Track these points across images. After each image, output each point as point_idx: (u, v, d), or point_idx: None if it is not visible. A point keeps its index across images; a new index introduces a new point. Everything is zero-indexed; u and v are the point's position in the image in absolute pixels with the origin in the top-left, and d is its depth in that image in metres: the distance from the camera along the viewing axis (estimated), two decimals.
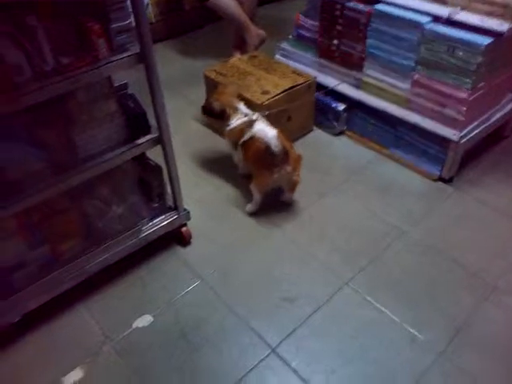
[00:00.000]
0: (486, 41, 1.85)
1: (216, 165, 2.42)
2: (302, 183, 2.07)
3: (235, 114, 2.07)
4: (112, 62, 1.39)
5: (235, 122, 2.06)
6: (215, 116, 2.11)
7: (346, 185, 2.23)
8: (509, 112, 2.35)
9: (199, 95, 2.64)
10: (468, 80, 1.95)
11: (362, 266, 1.86)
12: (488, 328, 1.64)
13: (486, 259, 1.88)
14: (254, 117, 2.04)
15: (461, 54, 1.91)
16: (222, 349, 1.60)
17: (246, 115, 2.06)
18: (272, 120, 2.33)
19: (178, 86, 2.95)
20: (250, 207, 2.09)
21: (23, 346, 1.63)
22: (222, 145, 2.53)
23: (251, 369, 1.54)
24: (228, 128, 2.08)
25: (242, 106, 2.10)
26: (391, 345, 1.60)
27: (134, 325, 1.68)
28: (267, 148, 1.90)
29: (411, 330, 1.63)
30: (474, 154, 2.36)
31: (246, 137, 2.00)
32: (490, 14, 1.79)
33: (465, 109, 2.01)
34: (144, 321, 1.69)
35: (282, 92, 2.34)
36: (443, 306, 1.71)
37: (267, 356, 1.57)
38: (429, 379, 1.50)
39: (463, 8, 1.89)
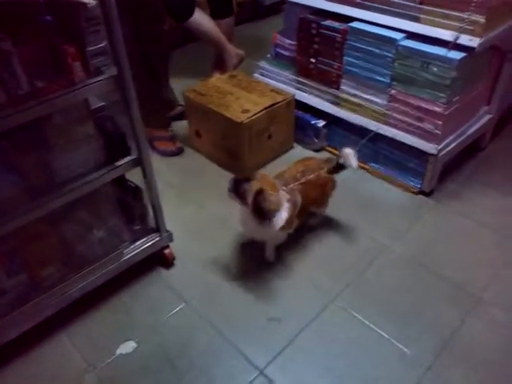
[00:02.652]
0: (459, 56, 1.89)
1: (197, 183, 2.40)
2: None
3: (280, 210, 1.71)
4: (88, 84, 1.38)
5: (286, 211, 1.72)
6: (260, 215, 1.68)
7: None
8: (484, 124, 2.40)
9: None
10: (443, 94, 1.98)
11: (348, 282, 1.85)
12: (474, 341, 1.64)
13: (469, 271, 1.89)
14: (284, 192, 1.78)
15: (435, 69, 1.95)
16: (209, 373, 1.56)
17: (286, 199, 1.75)
18: (253, 139, 2.35)
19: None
20: (316, 221, 2.10)
21: (2, 378, 1.58)
22: (202, 163, 2.53)
23: None
24: (280, 223, 1.71)
25: (282, 193, 1.76)
26: (379, 361, 1.58)
27: (118, 351, 1.64)
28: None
29: (399, 346, 1.62)
30: (453, 166, 2.39)
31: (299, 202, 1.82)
32: (461, 29, 1.83)
33: (441, 123, 2.04)
34: (127, 347, 1.65)
35: (262, 110, 2.35)
36: (429, 320, 1.71)
37: (255, 378, 1.54)
38: None
39: (435, 24, 1.93)
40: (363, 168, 2.43)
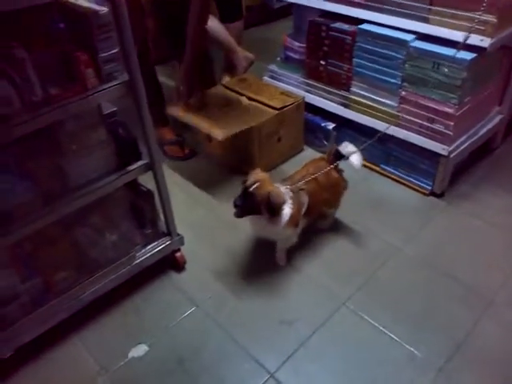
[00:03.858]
0: (469, 56, 1.88)
1: (208, 187, 2.41)
2: None
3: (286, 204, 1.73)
4: (101, 91, 1.40)
5: (288, 209, 1.73)
6: (275, 211, 1.70)
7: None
8: (496, 125, 2.38)
9: None
10: (454, 95, 1.97)
11: (359, 285, 1.85)
12: (486, 343, 1.62)
13: (481, 273, 1.87)
14: (288, 189, 1.79)
15: (446, 69, 1.94)
16: (220, 376, 1.57)
17: (289, 196, 1.76)
18: (263, 142, 2.35)
19: None
20: (325, 224, 2.10)
21: (16, 381, 1.59)
22: (213, 166, 2.54)
23: None
24: (284, 220, 1.72)
25: (284, 190, 1.77)
26: (390, 364, 1.58)
27: (130, 355, 1.65)
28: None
29: (410, 348, 1.61)
30: (464, 167, 2.38)
31: (305, 202, 1.83)
32: (472, 30, 1.82)
33: (452, 123, 2.03)
34: (140, 350, 1.66)
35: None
36: (441, 322, 1.70)
37: (266, 381, 1.54)
38: None
39: (445, 25, 1.92)
40: (374, 169, 2.42)
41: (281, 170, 2.46)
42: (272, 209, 1.68)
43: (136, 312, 1.79)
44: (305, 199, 1.82)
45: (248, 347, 1.65)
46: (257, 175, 1.74)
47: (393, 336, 1.65)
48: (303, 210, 1.83)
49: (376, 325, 1.69)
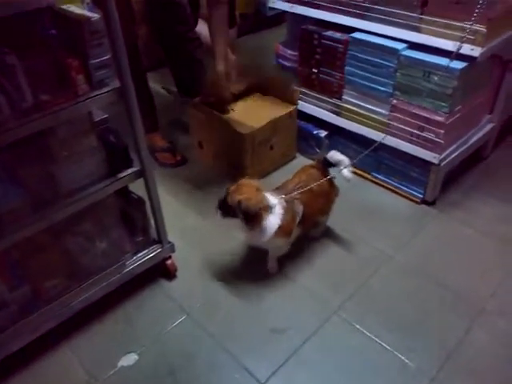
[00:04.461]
0: (460, 65, 1.90)
1: (199, 194, 2.41)
2: None
3: (267, 212, 1.71)
4: (92, 97, 1.39)
5: (278, 217, 1.72)
6: (249, 219, 1.69)
7: None
8: (487, 133, 2.40)
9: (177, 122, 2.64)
10: (445, 104, 1.99)
11: (350, 293, 1.85)
12: (478, 351, 1.62)
13: (472, 281, 1.88)
14: (278, 199, 1.76)
15: (436, 78, 1.96)
16: None
17: (277, 205, 1.74)
18: (256, 150, 2.35)
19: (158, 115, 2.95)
20: (317, 233, 2.10)
21: None
22: (204, 173, 2.54)
23: None
24: (271, 231, 1.71)
25: (269, 197, 1.75)
26: (382, 373, 1.57)
27: (120, 364, 1.63)
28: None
29: (402, 357, 1.61)
30: (456, 175, 2.39)
31: (299, 212, 1.82)
32: (463, 39, 1.84)
33: (443, 132, 2.04)
34: (129, 359, 1.64)
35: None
36: (432, 330, 1.70)
37: None
38: None
39: (436, 34, 1.93)
40: (365, 177, 2.42)
41: (272, 178, 2.45)
42: (246, 215, 1.67)
43: (127, 320, 1.78)
44: (299, 208, 1.81)
45: (239, 356, 1.64)
46: (242, 180, 1.75)
47: (384, 345, 1.65)
48: (298, 219, 1.81)
49: (368, 333, 1.69)
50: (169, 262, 1.90)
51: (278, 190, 1.83)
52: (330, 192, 1.96)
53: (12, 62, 1.25)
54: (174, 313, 1.79)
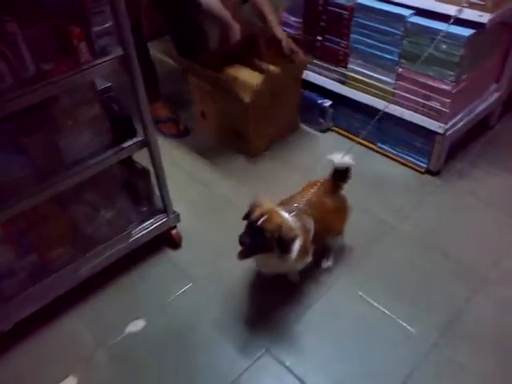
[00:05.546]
0: (468, 32, 1.86)
1: (203, 164, 2.41)
2: (290, 180, 2.07)
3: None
4: (94, 65, 1.38)
5: (298, 241, 1.51)
6: (285, 248, 1.47)
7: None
8: (493, 103, 2.37)
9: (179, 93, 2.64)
10: (451, 72, 1.96)
11: (354, 261, 1.87)
12: (479, 319, 1.65)
13: (475, 251, 1.89)
14: (292, 215, 1.56)
15: (443, 46, 1.92)
16: (216, 350, 1.60)
17: (297, 225, 1.54)
18: (259, 117, 2.33)
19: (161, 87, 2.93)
20: (329, 264, 1.85)
21: (15, 356, 1.61)
22: (208, 143, 2.53)
23: (246, 369, 1.54)
24: (295, 254, 1.51)
25: (286, 215, 1.53)
26: (384, 338, 1.61)
27: (127, 330, 1.67)
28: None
29: (404, 324, 1.64)
30: (461, 145, 2.38)
31: (311, 227, 1.61)
32: (471, 5, 1.80)
33: (449, 101, 2.02)
34: (137, 325, 1.68)
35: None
36: (435, 298, 1.72)
37: (262, 355, 1.57)
38: (422, 370, 1.51)
39: (444, 0, 1.89)
40: (370, 147, 2.41)
41: (277, 152, 2.46)
42: (283, 245, 1.45)
43: (133, 288, 1.81)
44: (310, 223, 1.60)
45: (244, 322, 1.67)
46: (262, 207, 1.49)
47: (387, 311, 1.68)
48: (311, 235, 1.61)
49: (371, 301, 1.72)
50: (174, 231, 1.92)
51: (286, 205, 1.61)
52: (343, 208, 1.79)
53: (13, 30, 1.24)
54: (180, 281, 1.82)
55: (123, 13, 1.35)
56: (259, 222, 1.44)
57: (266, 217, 1.45)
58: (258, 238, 1.45)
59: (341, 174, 1.73)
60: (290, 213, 1.55)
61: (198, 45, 2.68)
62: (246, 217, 1.51)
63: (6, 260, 1.54)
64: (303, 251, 1.55)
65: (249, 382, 1.51)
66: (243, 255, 1.50)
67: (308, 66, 2.50)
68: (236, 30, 2.89)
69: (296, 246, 1.49)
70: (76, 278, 1.68)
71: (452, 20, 1.79)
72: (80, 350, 1.62)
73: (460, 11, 1.80)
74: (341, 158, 1.69)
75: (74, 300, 1.75)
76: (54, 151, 1.48)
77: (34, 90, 1.30)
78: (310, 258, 1.66)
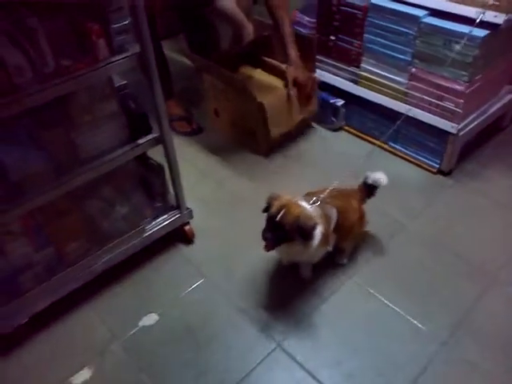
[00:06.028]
0: (482, 33, 1.86)
1: (216, 161, 2.43)
2: (302, 179, 2.08)
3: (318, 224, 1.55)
4: (112, 62, 1.40)
5: (319, 228, 1.55)
6: (306, 236, 1.51)
7: (346, 180, 2.23)
8: (506, 103, 2.36)
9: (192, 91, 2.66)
10: (465, 73, 1.96)
11: (365, 259, 1.88)
12: (489, 318, 1.65)
13: (487, 251, 1.89)
14: (312, 205, 1.62)
15: (457, 46, 1.92)
16: (228, 345, 1.61)
17: (317, 213, 1.58)
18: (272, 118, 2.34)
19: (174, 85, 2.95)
20: (345, 260, 1.87)
21: (31, 348, 1.65)
22: (221, 141, 2.55)
23: (258, 363, 1.55)
24: (317, 241, 1.55)
25: (305, 205, 1.58)
26: (394, 336, 1.62)
27: (141, 323, 1.69)
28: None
29: (414, 322, 1.64)
30: (473, 146, 2.37)
31: (333, 217, 1.66)
32: (485, 6, 1.80)
33: (462, 101, 2.02)
34: (150, 319, 1.71)
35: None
36: (445, 297, 1.73)
37: (273, 350, 1.59)
38: (433, 368, 1.51)
39: (458, 1, 1.90)
40: (382, 147, 2.42)
41: (289, 151, 2.48)
42: (304, 233, 1.50)
43: (146, 283, 1.83)
44: (332, 212, 1.66)
45: (255, 317, 1.69)
46: (280, 201, 1.54)
47: (397, 309, 1.69)
48: (332, 224, 1.65)
49: (381, 299, 1.73)
50: (187, 227, 1.94)
51: (307, 197, 1.67)
52: (361, 217, 1.83)
53: (33, 25, 1.26)
54: (192, 276, 1.84)
55: (141, 10, 1.37)
56: (278, 218, 1.50)
57: (284, 211, 1.50)
58: (279, 231, 1.51)
59: (369, 189, 1.83)
60: (310, 203, 1.60)
61: (210, 44, 2.71)
62: (266, 210, 1.57)
63: (24, 253, 1.57)
64: (324, 239, 1.60)
65: (260, 376, 1.53)
66: (269, 248, 1.58)
67: (321, 65, 2.52)
68: (249, 29, 2.92)
69: (317, 232, 1.53)
70: (91, 272, 1.71)
71: (476, 24, 1.80)
72: (95, 342, 1.65)
73: (483, 14, 1.80)
74: (378, 177, 1.79)
75: (90, 293, 1.78)
76: (72, 146, 1.50)
77: (54, 85, 1.32)
78: (330, 248, 1.70)
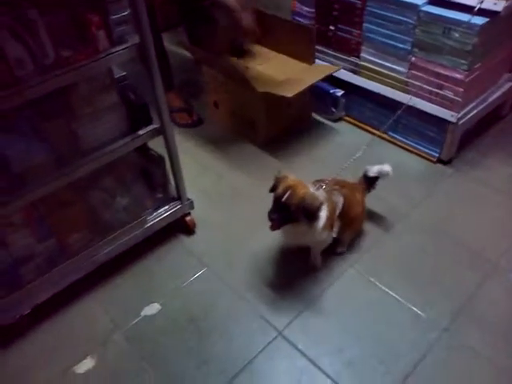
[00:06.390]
0: (481, 21, 1.86)
1: (216, 153, 2.43)
2: (302, 170, 2.08)
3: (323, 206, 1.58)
4: (112, 53, 1.40)
5: (324, 211, 1.58)
6: (311, 216, 1.54)
7: (345, 170, 2.24)
8: (506, 92, 2.36)
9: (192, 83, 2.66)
10: (464, 61, 1.96)
11: (366, 248, 1.89)
12: (490, 305, 1.66)
13: (487, 238, 1.90)
14: (319, 189, 1.66)
15: (456, 35, 1.92)
16: (230, 334, 1.63)
17: (323, 196, 1.60)
18: (271, 109, 2.35)
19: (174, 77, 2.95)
20: (343, 249, 1.88)
21: (34, 338, 1.66)
22: (221, 133, 2.55)
23: (259, 351, 1.57)
24: (321, 223, 1.58)
25: (310, 187, 1.62)
26: (395, 323, 1.63)
27: (143, 313, 1.71)
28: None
29: (414, 309, 1.66)
30: (473, 134, 2.38)
31: (339, 203, 1.70)
32: None
33: (462, 90, 2.02)
34: (152, 309, 1.72)
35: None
36: (446, 285, 1.74)
37: (274, 339, 1.60)
38: (434, 354, 1.53)
39: None
40: (382, 137, 2.42)
41: (289, 141, 2.48)
42: (309, 214, 1.52)
43: (148, 273, 1.85)
44: (339, 199, 1.70)
45: (257, 306, 1.70)
46: (286, 182, 1.56)
47: (398, 297, 1.70)
48: (337, 210, 1.69)
49: (382, 287, 1.74)
50: (188, 218, 1.95)
51: (315, 182, 1.71)
52: (362, 210, 1.86)
53: (33, 17, 1.26)
54: (194, 266, 1.86)
55: (141, 1, 1.37)
56: (284, 199, 1.52)
57: (289, 192, 1.52)
58: (285, 212, 1.53)
59: (370, 182, 1.88)
60: (316, 187, 1.64)
61: (209, 35, 2.70)
62: (272, 190, 1.59)
63: (26, 244, 1.58)
64: (329, 222, 1.62)
65: (262, 364, 1.54)
66: (274, 228, 1.59)
67: (320, 55, 2.51)
68: (240, 13, 2.86)
69: (322, 214, 1.56)
70: (93, 263, 1.72)
71: (475, 11, 1.80)
72: (98, 332, 1.66)
73: (482, 1, 1.80)
74: (386, 169, 1.84)
75: (92, 284, 1.79)
76: (73, 137, 1.51)
77: (54, 76, 1.32)
78: (334, 234, 1.73)
